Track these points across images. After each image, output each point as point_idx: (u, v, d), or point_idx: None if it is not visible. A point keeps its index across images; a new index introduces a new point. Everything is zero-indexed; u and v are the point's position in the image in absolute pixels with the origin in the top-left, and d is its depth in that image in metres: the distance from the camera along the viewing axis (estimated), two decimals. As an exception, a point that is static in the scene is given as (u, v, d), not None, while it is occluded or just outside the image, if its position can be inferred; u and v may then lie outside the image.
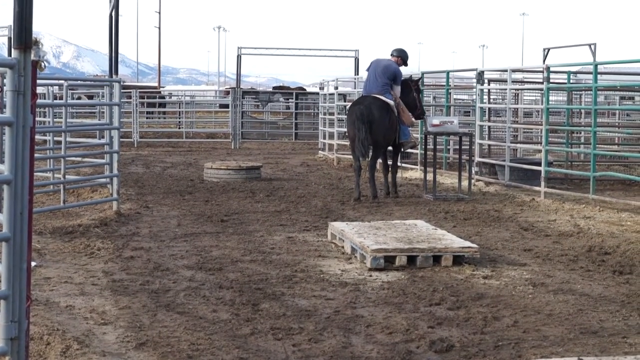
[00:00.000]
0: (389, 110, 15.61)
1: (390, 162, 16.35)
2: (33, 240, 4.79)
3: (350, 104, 16.35)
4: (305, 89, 56.49)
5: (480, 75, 19.12)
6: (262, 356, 6.17)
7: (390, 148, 16.29)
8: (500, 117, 23.39)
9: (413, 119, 16.60)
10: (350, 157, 23.79)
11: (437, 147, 17.17)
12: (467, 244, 9.84)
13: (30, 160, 4.16)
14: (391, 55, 16.47)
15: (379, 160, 16.22)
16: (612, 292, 8.38)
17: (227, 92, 42.85)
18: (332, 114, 26.03)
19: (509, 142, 18.46)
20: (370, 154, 15.67)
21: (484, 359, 6.13)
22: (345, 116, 16.81)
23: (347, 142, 22.24)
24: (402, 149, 16.53)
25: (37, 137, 15.93)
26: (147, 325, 6.92)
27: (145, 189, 17.07)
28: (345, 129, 16.35)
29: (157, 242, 11.02)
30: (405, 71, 17.42)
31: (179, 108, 40.44)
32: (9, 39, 31.20)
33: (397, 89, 15.97)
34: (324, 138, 26.99)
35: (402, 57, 16.47)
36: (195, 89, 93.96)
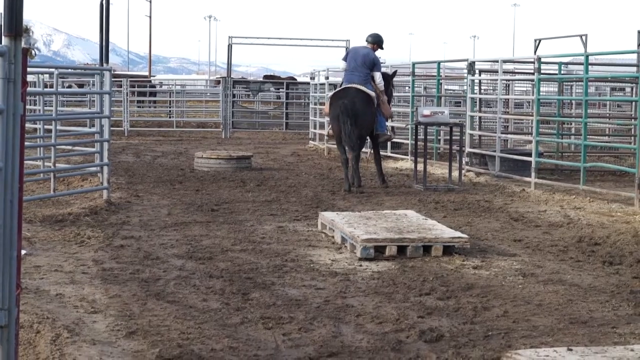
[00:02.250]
0: (370, 102, 15.64)
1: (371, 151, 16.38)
2: (23, 229, 4.78)
3: (333, 92, 16.18)
4: (296, 79, 56.39)
5: (471, 66, 19.12)
6: (252, 345, 6.18)
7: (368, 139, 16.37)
8: (491, 107, 23.39)
9: (392, 111, 16.59)
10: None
11: (428, 137, 17.17)
12: (458, 234, 9.86)
13: (21, 149, 4.15)
14: (366, 42, 16.46)
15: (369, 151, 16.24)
16: (601, 282, 8.40)
17: (218, 82, 42.79)
18: (322, 103, 25.95)
19: (500, 132, 18.47)
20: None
21: (473, 349, 6.14)
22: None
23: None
24: (377, 140, 16.50)
25: (28, 125, 15.94)
26: (137, 314, 6.92)
27: (136, 178, 17.05)
28: (330, 120, 16.19)
29: (147, 231, 11.02)
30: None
31: (170, 97, 40.38)
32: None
33: (378, 75, 15.96)
34: (315, 128, 26.98)
35: (377, 42, 16.48)
36: (186, 78, 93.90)
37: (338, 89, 16.10)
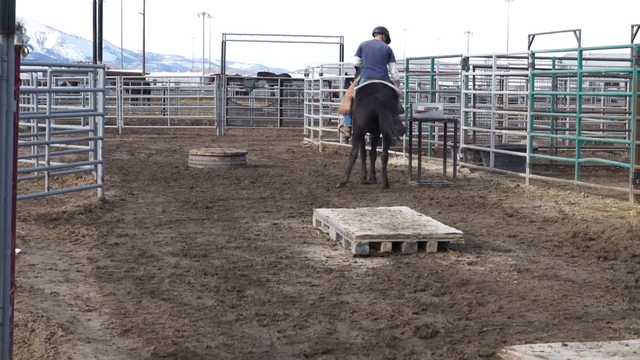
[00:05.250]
0: (396, 98, 15.68)
1: (369, 149, 16.30)
2: (17, 227, 4.77)
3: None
4: (290, 76, 56.47)
5: (465, 62, 19.13)
6: (247, 342, 6.17)
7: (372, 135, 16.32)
8: (485, 103, 23.41)
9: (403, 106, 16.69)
10: (335, 143, 23.82)
11: (422, 133, 17.15)
12: (452, 230, 9.86)
13: (14, 147, 4.14)
14: (374, 34, 16.41)
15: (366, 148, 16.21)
16: (596, 277, 8.41)
17: (212, 79, 42.79)
18: (317, 100, 25.99)
19: (494, 128, 18.47)
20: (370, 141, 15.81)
21: (468, 345, 6.14)
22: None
23: (332, 129, 22.23)
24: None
25: (21, 123, 15.91)
26: (131, 312, 6.91)
27: (130, 176, 17.03)
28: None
29: (141, 229, 11.01)
30: None
31: (164, 95, 40.34)
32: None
33: (394, 66, 15.94)
34: (309, 125, 26.95)
35: (385, 34, 16.44)
36: (180, 76, 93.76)
37: (362, 84, 15.77)
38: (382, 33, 16.38)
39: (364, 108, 15.46)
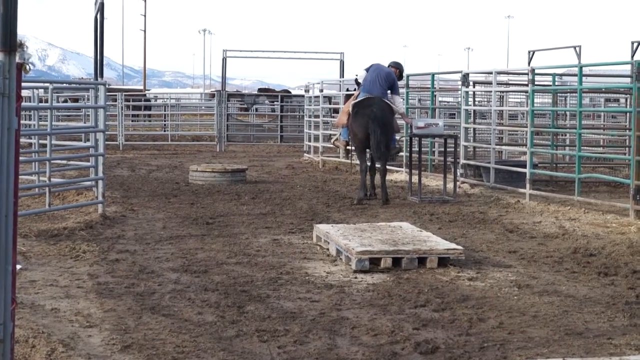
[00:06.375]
0: (392, 113, 15.80)
1: (369, 164, 16.31)
2: (18, 243, 4.75)
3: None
4: (290, 92, 56.49)
5: (465, 78, 19.14)
6: (248, 358, 6.18)
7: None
8: (485, 119, 23.42)
9: (402, 123, 16.76)
10: (335, 159, 23.82)
11: (422, 149, 17.17)
12: (452, 245, 9.86)
13: (15, 163, 4.15)
14: (389, 65, 16.58)
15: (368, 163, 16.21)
16: (597, 293, 8.41)
17: (213, 95, 42.84)
18: (317, 116, 26.01)
19: (494, 144, 18.48)
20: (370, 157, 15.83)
21: (469, 361, 6.14)
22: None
23: (331, 145, 22.22)
24: (390, 154, 16.54)
25: (22, 140, 15.92)
26: (132, 328, 6.92)
27: (131, 192, 17.03)
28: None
29: (142, 245, 11.01)
30: None
31: (165, 111, 40.38)
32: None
33: (398, 99, 16.12)
34: (309, 141, 26.96)
35: (399, 69, 16.74)
36: (181, 92, 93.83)
37: (360, 98, 15.92)
38: (397, 68, 16.70)
39: (360, 121, 15.61)
